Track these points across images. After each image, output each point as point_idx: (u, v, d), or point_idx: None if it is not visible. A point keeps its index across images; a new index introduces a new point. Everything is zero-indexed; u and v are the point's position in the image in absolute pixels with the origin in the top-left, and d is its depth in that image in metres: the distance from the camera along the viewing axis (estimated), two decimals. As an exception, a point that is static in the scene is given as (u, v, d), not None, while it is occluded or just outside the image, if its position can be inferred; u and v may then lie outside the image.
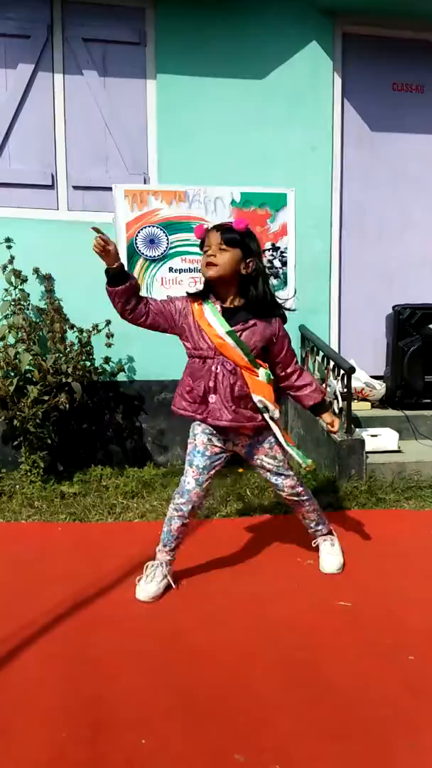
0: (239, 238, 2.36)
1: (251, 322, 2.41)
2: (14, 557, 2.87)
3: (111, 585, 2.57)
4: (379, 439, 3.94)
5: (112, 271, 2.35)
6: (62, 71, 4.15)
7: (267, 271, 2.54)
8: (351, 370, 3.71)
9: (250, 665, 2.05)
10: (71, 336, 3.96)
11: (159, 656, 2.09)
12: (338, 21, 4.43)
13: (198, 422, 2.52)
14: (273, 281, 4.51)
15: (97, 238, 2.25)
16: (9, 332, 3.78)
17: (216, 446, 2.51)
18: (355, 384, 4.22)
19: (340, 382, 3.85)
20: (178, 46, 4.21)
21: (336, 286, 4.66)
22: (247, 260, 2.38)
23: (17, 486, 3.74)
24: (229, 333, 2.37)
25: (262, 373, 2.44)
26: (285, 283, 4.55)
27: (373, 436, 3.92)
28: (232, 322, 2.39)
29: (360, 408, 4.34)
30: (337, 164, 4.57)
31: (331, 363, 3.98)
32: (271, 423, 2.47)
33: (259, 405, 2.43)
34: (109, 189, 4.27)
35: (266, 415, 2.45)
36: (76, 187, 4.26)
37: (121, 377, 4.24)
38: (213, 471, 2.51)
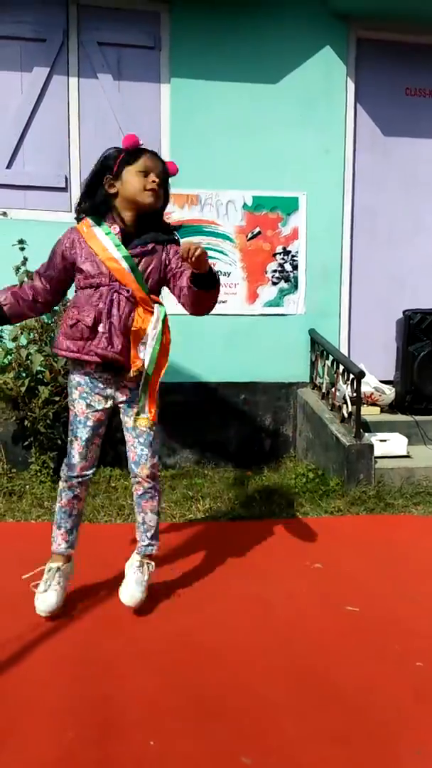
0: (166, 183, 2.27)
1: (150, 245, 2.20)
2: (24, 557, 2.88)
3: (119, 586, 2.58)
4: (388, 444, 3.93)
5: None
6: (77, 75, 4.18)
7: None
8: (361, 375, 3.71)
9: (257, 668, 2.06)
10: (82, 337, 3.99)
11: (166, 658, 2.10)
12: (352, 26, 4.43)
13: (76, 382, 2.28)
14: (283, 285, 4.54)
15: None
16: (21, 333, 3.81)
17: (98, 411, 2.29)
18: (365, 388, 4.22)
19: (349, 386, 3.85)
20: (193, 51, 4.23)
21: (346, 290, 4.66)
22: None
23: (27, 486, 3.76)
24: (125, 258, 2.16)
25: (158, 311, 2.21)
26: (296, 286, 4.57)
27: (382, 440, 3.92)
28: (129, 247, 2.19)
29: (369, 413, 4.34)
30: (349, 168, 4.58)
31: (341, 367, 3.98)
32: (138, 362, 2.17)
33: (140, 349, 2.18)
34: (122, 192, 4.31)
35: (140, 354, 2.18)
36: (89, 190, 4.28)
37: (132, 379, 4.26)
38: (97, 439, 2.35)
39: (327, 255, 4.57)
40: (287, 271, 4.56)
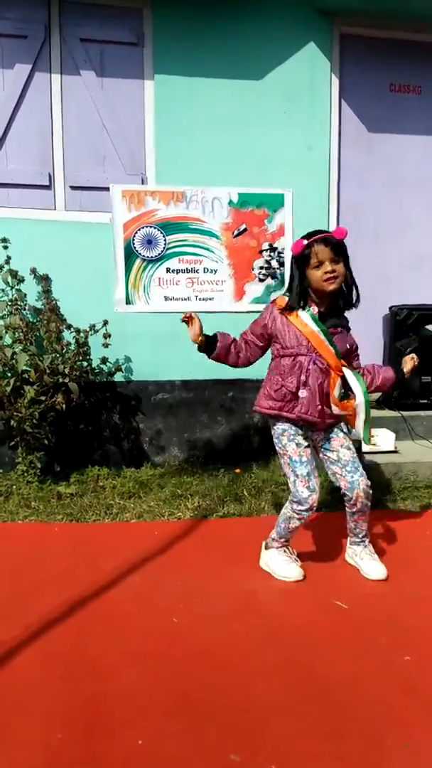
0: (344, 247, 2.52)
1: (339, 329, 2.58)
2: (11, 558, 2.86)
3: (108, 585, 2.57)
4: (376, 440, 3.94)
5: (198, 344, 2.66)
6: (59, 71, 4.14)
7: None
8: (348, 371, 3.71)
9: (246, 664, 2.05)
10: (68, 336, 3.96)
11: (156, 656, 2.09)
12: (336, 22, 4.43)
13: (281, 429, 2.60)
14: (270, 281, 4.53)
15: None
16: (6, 332, 3.78)
17: (307, 449, 2.61)
18: (352, 384, 4.22)
19: (337, 382, 3.85)
20: (176, 47, 4.20)
21: (333, 286, 4.65)
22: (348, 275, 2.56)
23: (14, 486, 3.73)
24: (323, 331, 2.51)
25: (347, 372, 2.58)
26: (282, 283, 4.55)
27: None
28: (326, 325, 2.54)
29: (357, 408, 4.34)
30: (335, 165, 4.58)
31: (328, 363, 3.98)
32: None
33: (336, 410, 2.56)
34: (107, 189, 4.26)
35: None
36: (73, 187, 4.25)
37: (119, 377, 4.24)
38: (316, 470, 2.62)
39: (313, 251, 4.56)
40: (274, 268, 4.55)
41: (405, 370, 2.73)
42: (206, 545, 2.99)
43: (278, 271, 4.54)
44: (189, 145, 4.28)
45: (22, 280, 3.93)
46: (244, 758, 1.64)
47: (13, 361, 3.71)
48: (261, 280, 4.53)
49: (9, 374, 3.73)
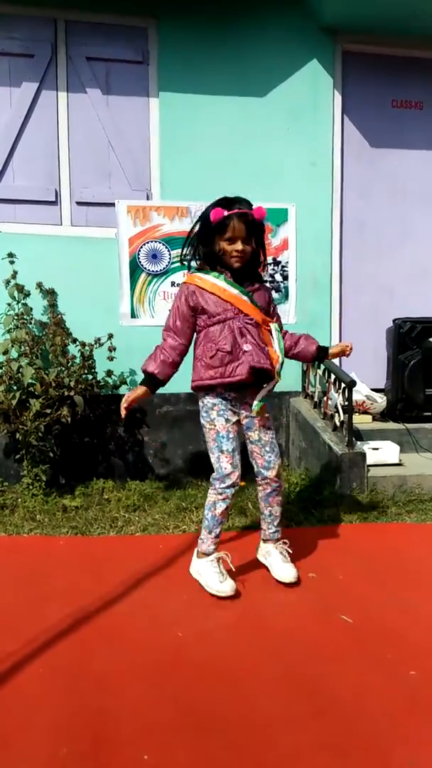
0: (258, 227, 2.55)
1: (256, 285, 2.63)
2: (16, 571, 2.87)
3: (113, 599, 2.57)
4: (380, 452, 3.94)
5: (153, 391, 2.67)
6: (66, 89, 4.21)
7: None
8: (352, 384, 3.72)
9: (253, 679, 2.05)
10: (73, 349, 3.99)
11: (161, 670, 2.09)
12: (338, 39, 4.49)
13: (211, 404, 2.59)
14: (274, 294, 4.58)
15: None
16: (12, 346, 3.81)
17: (234, 425, 2.63)
18: (356, 397, 4.24)
19: (341, 395, 3.87)
20: (181, 65, 4.27)
21: (336, 299, 4.69)
22: (258, 248, 2.60)
23: (19, 499, 3.75)
24: (242, 292, 2.54)
25: (273, 327, 2.63)
26: (286, 296, 4.59)
27: (374, 449, 3.93)
28: (243, 286, 2.57)
29: (361, 421, 4.35)
30: (338, 179, 4.62)
31: (332, 376, 4.00)
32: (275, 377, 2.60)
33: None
34: (112, 205, 4.34)
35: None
36: (79, 203, 4.30)
37: (123, 390, 4.25)
38: (239, 447, 2.63)
39: (317, 265, 4.61)
40: (277, 282, 4.59)
41: (331, 351, 2.78)
42: (211, 558, 2.99)
43: (282, 285, 4.58)
44: (193, 161, 4.33)
45: (28, 295, 3.98)
46: (249, 773, 1.64)
47: (19, 374, 3.74)
48: (265, 294, 4.57)
49: (15, 387, 3.76)
